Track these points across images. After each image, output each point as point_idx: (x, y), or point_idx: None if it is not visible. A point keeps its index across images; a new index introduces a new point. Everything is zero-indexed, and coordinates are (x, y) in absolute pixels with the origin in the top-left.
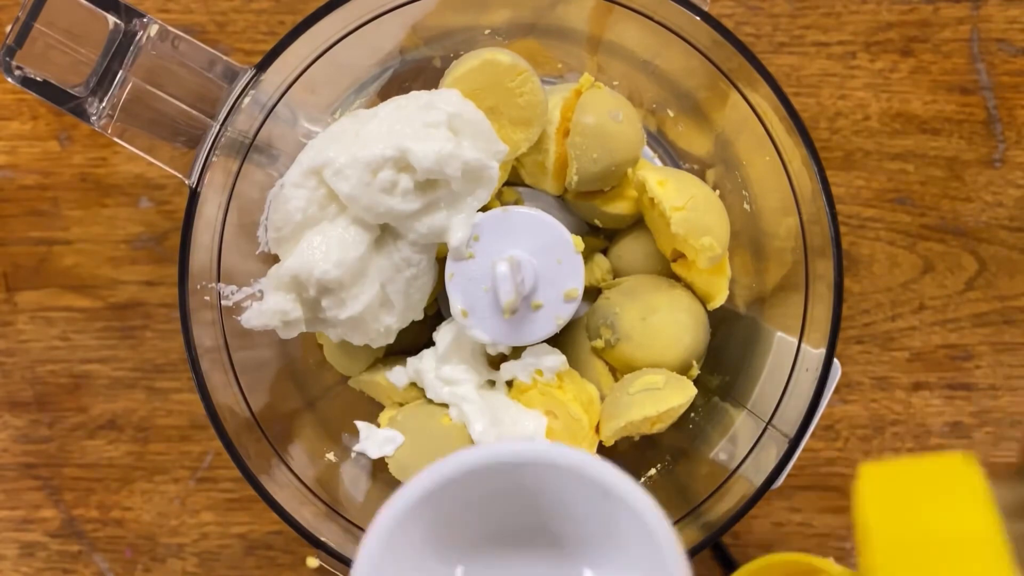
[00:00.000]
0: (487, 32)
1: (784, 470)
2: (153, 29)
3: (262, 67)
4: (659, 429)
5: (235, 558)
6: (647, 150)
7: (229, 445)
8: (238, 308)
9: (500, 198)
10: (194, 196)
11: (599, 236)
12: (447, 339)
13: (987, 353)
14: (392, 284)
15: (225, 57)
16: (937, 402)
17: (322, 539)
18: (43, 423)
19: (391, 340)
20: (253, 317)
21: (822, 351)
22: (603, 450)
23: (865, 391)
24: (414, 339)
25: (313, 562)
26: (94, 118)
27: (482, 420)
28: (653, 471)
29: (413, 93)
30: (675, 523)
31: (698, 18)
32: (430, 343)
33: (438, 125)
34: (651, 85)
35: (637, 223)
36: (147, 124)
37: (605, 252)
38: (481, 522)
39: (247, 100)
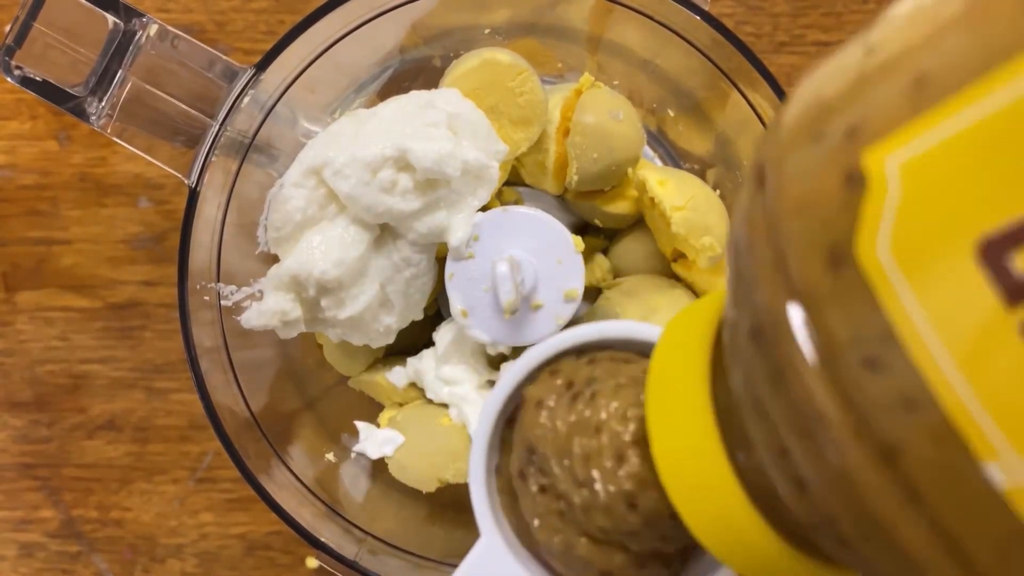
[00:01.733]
0: (487, 31)
1: None
2: (153, 29)
3: (261, 67)
4: None
5: (234, 558)
6: (647, 150)
7: (228, 445)
8: (238, 308)
9: (500, 198)
10: (193, 196)
11: (599, 236)
12: (447, 339)
13: None
14: (392, 284)
15: (224, 57)
16: None
17: (322, 539)
18: (42, 423)
19: (391, 340)
20: (253, 317)
21: None
22: None
23: None
24: (414, 339)
25: (312, 562)
26: (93, 118)
27: None
28: None
29: (413, 93)
30: None
31: (698, 18)
32: (430, 343)
33: (438, 124)
34: (651, 85)
35: (637, 223)
36: (146, 124)
37: (605, 252)
38: None
39: (246, 100)
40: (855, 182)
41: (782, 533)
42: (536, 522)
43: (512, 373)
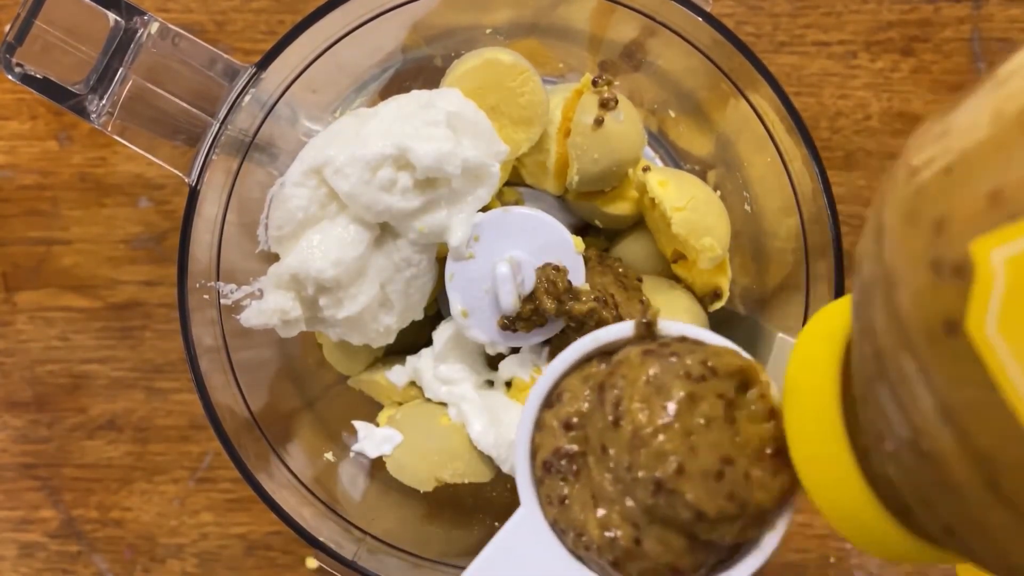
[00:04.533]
0: (488, 31)
1: None
2: (154, 27)
3: (262, 65)
4: None
5: (234, 558)
6: (648, 150)
7: (228, 445)
8: (238, 307)
9: (500, 198)
10: (194, 194)
11: (599, 236)
12: (444, 337)
13: None
14: (391, 284)
15: (226, 55)
16: None
17: (321, 539)
18: (42, 423)
19: (391, 340)
20: (253, 316)
21: None
22: None
23: None
24: (414, 339)
25: (312, 562)
26: (94, 116)
27: (481, 420)
28: None
29: (414, 92)
30: None
31: (699, 18)
32: (430, 343)
33: (438, 124)
34: (652, 85)
35: (638, 224)
36: (147, 122)
37: (606, 252)
38: None
39: (247, 98)
40: (960, 271)
41: (895, 513)
42: (600, 512)
43: (561, 360)
